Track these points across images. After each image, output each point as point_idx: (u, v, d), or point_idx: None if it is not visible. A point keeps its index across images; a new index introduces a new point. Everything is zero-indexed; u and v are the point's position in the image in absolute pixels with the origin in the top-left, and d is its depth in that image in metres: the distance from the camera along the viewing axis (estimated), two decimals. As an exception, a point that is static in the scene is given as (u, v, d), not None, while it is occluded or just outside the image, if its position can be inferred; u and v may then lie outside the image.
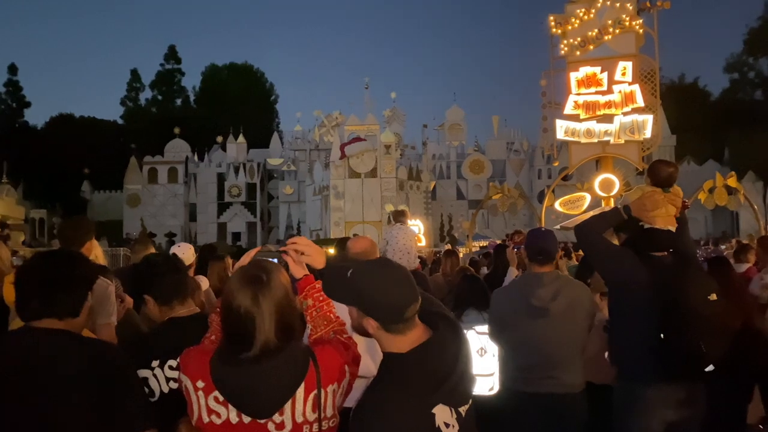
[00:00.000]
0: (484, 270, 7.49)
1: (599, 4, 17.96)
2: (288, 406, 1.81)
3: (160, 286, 2.50)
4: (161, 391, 2.31)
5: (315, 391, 1.84)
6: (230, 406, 1.81)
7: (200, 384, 1.84)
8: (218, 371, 1.81)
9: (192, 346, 2.00)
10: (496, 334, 3.58)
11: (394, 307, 1.75)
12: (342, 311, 1.97)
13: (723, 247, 11.42)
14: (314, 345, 1.95)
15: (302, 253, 2.17)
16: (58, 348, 1.95)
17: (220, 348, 1.86)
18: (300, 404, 1.82)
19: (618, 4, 17.75)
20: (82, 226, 3.80)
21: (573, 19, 18.18)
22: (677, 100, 42.14)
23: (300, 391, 1.82)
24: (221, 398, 1.81)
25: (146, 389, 2.26)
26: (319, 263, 2.17)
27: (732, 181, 17.93)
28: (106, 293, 3.37)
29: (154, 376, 2.31)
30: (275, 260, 2.13)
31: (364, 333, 1.83)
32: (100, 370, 1.95)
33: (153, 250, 4.71)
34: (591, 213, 16.44)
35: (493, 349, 3.65)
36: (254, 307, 1.78)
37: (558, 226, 15.29)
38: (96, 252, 4.10)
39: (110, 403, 1.92)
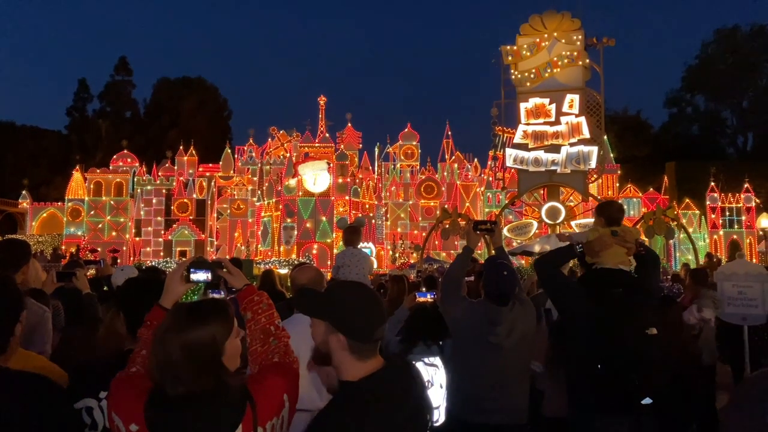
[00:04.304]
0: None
1: (549, 39, 18.64)
2: None
3: (134, 313, 2.32)
4: (104, 426, 2.19)
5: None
6: None
7: (134, 428, 1.78)
8: (153, 416, 1.76)
9: (120, 373, 1.93)
10: (453, 353, 3.61)
11: (366, 324, 1.78)
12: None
13: (669, 276, 11.93)
14: (251, 382, 1.93)
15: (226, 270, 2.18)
16: None
17: (154, 390, 1.81)
18: None
19: (566, 40, 18.47)
20: (18, 249, 3.58)
21: (524, 52, 18.79)
22: (620, 131, 43.96)
23: None
24: None
25: (89, 420, 2.16)
26: (237, 283, 2.18)
27: (671, 212, 18.74)
28: (41, 320, 3.21)
29: (100, 407, 2.19)
30: (209, 271, 2.10)
31: (323, 358, 1.83)
32: (23, 406, 1.85)
33: (82, 273, 4.48)
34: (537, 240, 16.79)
35: (440, 380, 3.67)
36: (187, 353, 1.75)
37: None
38: (36, 274, 3.92)
39: None
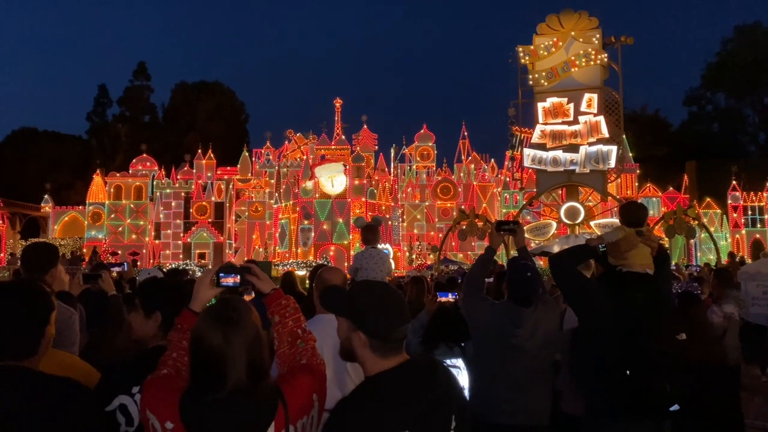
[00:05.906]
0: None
1: (566, 38, 18.51)
2: None
3: (170, 310, 2.37)
4: (141, 420, 2.23)
5: (284, 430, 1.84)
6: None
7: (169, 425, 1.81)
8: (189, 413, 1.78)
9: (153, 375, 1.96)
10: (475, 354, 3.60)
11: (385, 323, 1.82)
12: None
13: (697, 269, 11.76)
14: (282, 381, 1.95)
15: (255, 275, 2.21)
16: (9, 386, 1.88)
17: (189, 388, 1.83)
18: None
19: (584, 39, 18.32)
20: (46, 252, 3.64)
21: (541, 51, 18.68)
22: (640, 130, 43.47)
23: (270, 431, 1.82)
24: None
25: (123, 418, 2.20)
26: (265, 288, 2.20)
27: (692, 212, 18.50)
28: (69, 322, 3.26)
29: (135, 402, 2.23)
30: (238, 276, 2.13)
31: (348, 354, 1.88)
32: (53, 409, 1.88)
33: (108, 275, 4.56)
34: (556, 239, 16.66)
35: (462, 382, 3.65)
36: (225, 348, 1.77)
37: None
38: (60, 276, 3.98)
39: None
